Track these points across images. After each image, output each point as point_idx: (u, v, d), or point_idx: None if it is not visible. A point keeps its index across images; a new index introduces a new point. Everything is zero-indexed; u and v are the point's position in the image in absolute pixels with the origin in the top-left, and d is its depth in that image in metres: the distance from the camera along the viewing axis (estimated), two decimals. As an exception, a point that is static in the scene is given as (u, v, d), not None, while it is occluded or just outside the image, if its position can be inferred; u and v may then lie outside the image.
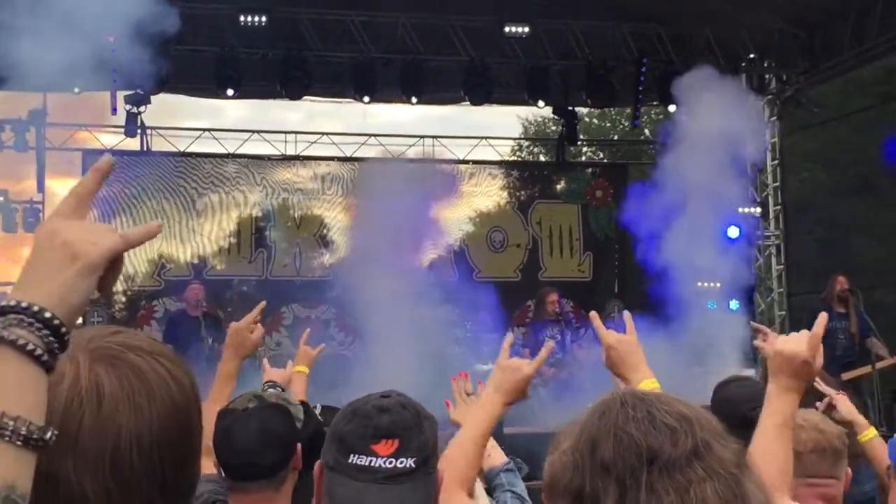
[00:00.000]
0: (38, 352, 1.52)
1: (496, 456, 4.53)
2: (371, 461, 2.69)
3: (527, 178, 20.44)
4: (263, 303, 5.18)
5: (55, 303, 1.55)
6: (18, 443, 1.47)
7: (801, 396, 3.40)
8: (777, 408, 3.36)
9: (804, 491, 3.77)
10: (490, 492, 4.72)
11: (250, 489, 3.57)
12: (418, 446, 2.73)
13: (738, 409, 4.45)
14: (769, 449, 3.27)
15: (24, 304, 1.53)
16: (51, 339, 1.53)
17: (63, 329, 1.55)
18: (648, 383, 3.73)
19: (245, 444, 3.59)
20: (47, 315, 1.53)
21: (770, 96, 18.40)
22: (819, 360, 3.39)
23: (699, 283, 15.67)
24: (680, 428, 2.02)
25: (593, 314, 4.04)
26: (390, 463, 2.69)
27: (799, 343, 3.37)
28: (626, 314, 3.95)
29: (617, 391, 2.18)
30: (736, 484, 1.99)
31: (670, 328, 14.21)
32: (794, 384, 3.37)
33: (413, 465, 2.71)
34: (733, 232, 16.89)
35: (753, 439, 3.30)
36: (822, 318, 3.39)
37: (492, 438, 4.85)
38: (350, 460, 2.70)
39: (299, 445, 3.69)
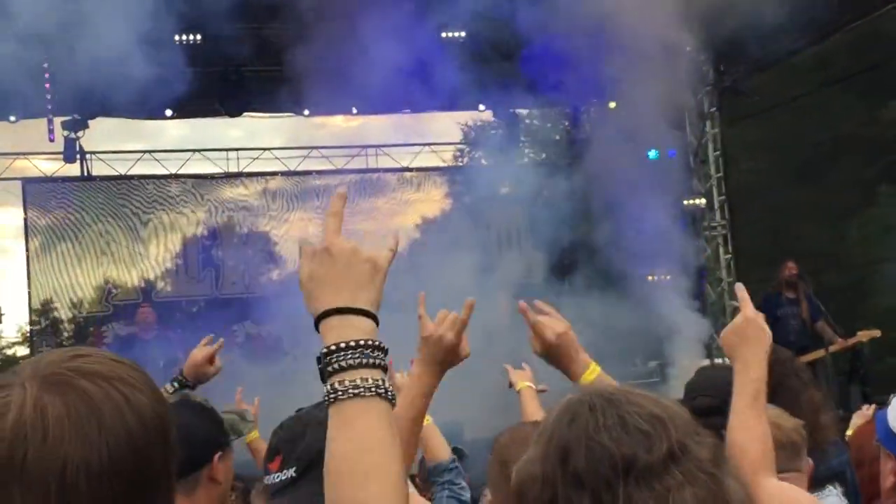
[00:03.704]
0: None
1: (442, 451, 4.48)
2: (269, 479, 2.85)
3: (473, 182, 20.40)
4: (222, 340, 5.19)
5: (375, 304, 2.08)
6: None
7: (763, 366, 3.38)
8: (743, 383, 3.36)
9: None
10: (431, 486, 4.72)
11: None
12: (299, 455, 2.80)
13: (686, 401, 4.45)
14: (746, 430, 3.26)
15: (377, 343, 2.03)
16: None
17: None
18: (593, 371, 3.71)
19: None
20: (383, 345, 2.04)
21: (709, 87, 18.49)
22: (764, 327, 3.43)
23: (650, 277, 15.74)
24: (654, 432, 1.97)
25: (522, 305, 3.85)
26: (278, 478, 2.81)
27: (738, 317, 3.45)
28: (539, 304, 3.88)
29: (584, 393, 2.12)
30: (715, 484, 1.94)
31: (624, 324, 14.25)
32: (751, 355, 3.38)
33: (294, 474, 2.79)
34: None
35: (730, 423, 3.30)
36: (738, 287, 3.60)
37: (436, 430, 4.81)
38: (265, 482, 2.88)
39: (217, 456, 3.53)
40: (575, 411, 2.05)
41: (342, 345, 2.00)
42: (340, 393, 1.96)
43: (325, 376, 2.00)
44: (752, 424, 3.28)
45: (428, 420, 4.78)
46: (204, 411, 3.69)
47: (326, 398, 1.98)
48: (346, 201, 2.23)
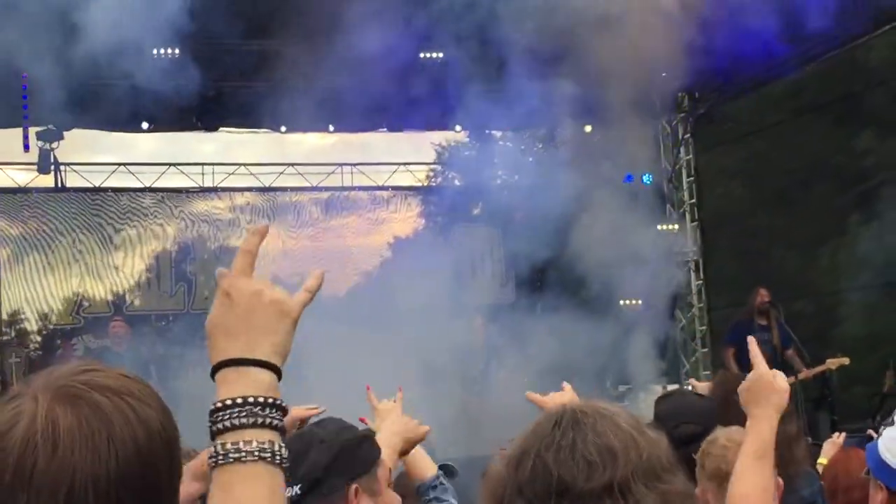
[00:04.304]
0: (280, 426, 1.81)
1: (425, 468, 4.48)
2: None
3: (446, 202, 20.40)
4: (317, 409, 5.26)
5: (280, 354, 1.84)
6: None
7: (775, 422, 3.41)
8: (753, 437, 3.39)
9: None
10: None
11: None
12: (304, 473, 2.87)
13: (664, 429, 4.44)
14: (749, 482, 3.30)
15: (270, 400, 1.79)
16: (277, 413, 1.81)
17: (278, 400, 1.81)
18: None
19: None
20: (280, 402, 1.81)
21: (683, 114, 18.59)
22: (776, 386, 3.43)
23: (622, 302, 15.78)
24: (599, 462, 1.99)
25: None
26: None
27: (753, 373, 3.45)
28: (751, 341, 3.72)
29: (564, 407, 2.14)
30: None
31: (594, 347, 14.27)
32: (761, 413, 3.40)
33: (299, 492, 2.84)
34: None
35: (734, 474, 3.35)
36: (751, 341, 3.54)
37: (421, 448, 4.80)
38: None
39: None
40: (543, 423, 2.10)
41: (228, 402, 1.77)
42: (220, 457, 1.74)
43: (212, 435, 1.78)
44: (755, 478, 3.31)
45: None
46: None
47: (210, 461, 1.76)
48: (264, 238, 2.00)
